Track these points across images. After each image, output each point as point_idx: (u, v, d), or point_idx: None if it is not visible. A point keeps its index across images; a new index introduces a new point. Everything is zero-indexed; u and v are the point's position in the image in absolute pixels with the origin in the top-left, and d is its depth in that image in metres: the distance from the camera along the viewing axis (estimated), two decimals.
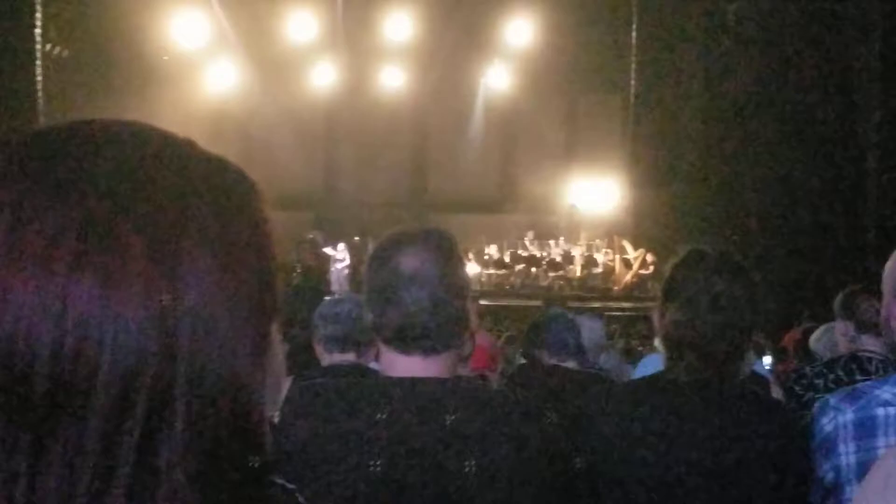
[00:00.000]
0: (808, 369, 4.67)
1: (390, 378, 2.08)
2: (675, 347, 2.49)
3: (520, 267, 23.70)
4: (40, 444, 0.73)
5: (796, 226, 18.08)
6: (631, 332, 14.33)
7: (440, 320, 2.04)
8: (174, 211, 0.78)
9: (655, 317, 2.58)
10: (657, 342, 2.66)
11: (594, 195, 25.48)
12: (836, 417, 2.44)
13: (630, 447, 2.46)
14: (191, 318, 0.76)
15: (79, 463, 0.73)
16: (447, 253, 2.09)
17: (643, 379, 2.77)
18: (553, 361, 4.97)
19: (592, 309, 13.15)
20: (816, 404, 2.56)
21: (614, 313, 17.15)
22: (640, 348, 11.13)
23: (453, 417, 1.99)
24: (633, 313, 17.53)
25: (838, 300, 4.64)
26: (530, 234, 24.47)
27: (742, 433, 2.43)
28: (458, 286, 2.08)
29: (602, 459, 2.46)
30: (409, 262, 2.05)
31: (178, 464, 0.75)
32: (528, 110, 26.40)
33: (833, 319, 4.86)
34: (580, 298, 20.83)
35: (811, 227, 17.78)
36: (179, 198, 0.79)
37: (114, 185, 0.77)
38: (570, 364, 4.99)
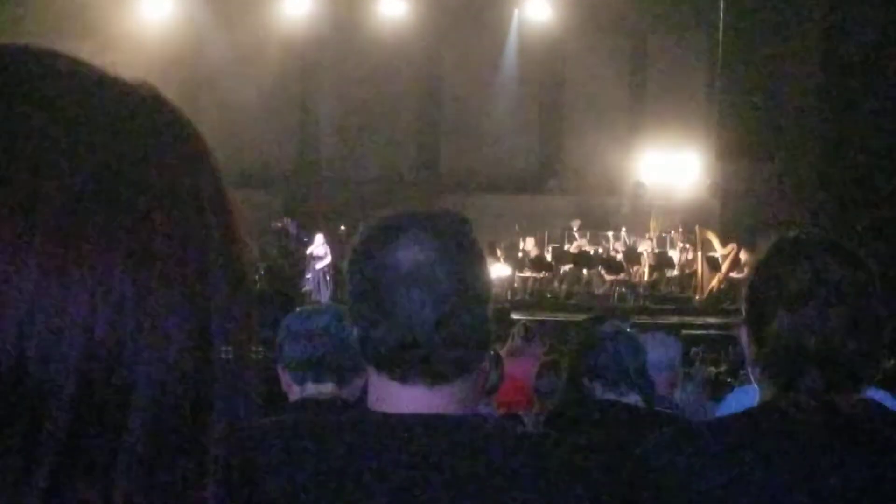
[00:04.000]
0: None
1: (381, 416, 2.07)
2: (785, 366, 2.41)
3: (566, 267, 23.70)
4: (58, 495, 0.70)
5: None
6: (718, 358, 14.30)
7: (450, 335, 2.02)
8: (185, 182, 0.77)
9: (743, 333, 2.53)
10: (749, 369, 2.60)
11: (667, 170, 25.47)
12: None
13: None
14: (229, 319, 0.78)
15: None
16: (460, 242, 2.07)
17: (734, 416, 2.67)
18: (608, 396, 4.96)
19: (665, 326, 13.13)
20: None
21: (695, 331, 17.16)
22: (729, 380, 11.10)
23: (465, 472, 1.98)
24: (721, 331, 17.50)
25: None
26: (578, 223, 24.48)
27: None
28: (475, 288, 2.06)
29: None
30: (407, 255, 2.02)
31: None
32: (578, 54, 26.41)
33: None
34: (648, 311, 20.84)
35: None
36: (181, 165, 0.78)
37: (108, 145, 0.74)
38: (632, 399, 4.98)
